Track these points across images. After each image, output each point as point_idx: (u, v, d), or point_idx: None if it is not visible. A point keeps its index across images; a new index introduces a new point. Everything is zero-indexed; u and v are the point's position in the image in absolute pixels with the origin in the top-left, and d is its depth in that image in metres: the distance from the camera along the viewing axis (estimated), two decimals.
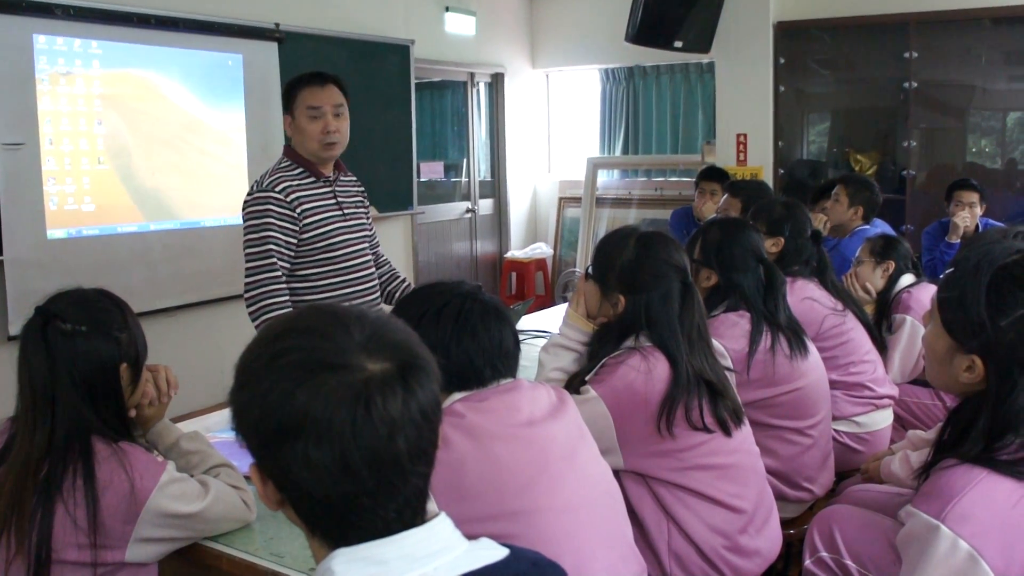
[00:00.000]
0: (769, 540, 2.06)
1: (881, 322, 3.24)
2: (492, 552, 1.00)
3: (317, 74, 2.83)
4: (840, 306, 2.85)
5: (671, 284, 2.00)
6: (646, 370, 1.91)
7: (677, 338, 1.96)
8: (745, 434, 2.06)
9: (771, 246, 2.91)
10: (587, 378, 1.99)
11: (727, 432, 1.97)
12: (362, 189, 3.06)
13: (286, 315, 1.00)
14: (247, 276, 2.71)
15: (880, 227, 4.15)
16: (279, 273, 2.70)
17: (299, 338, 0.93)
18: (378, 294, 3.03)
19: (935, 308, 1.61)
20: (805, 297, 2.81)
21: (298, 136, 2.81)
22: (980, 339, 1.51)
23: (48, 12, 3.99)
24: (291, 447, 0.89)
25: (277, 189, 2.75)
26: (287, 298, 2.70)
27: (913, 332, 3.12)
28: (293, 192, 2.77)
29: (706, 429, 1.93)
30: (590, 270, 2.13)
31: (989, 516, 1.41)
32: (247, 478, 1.73)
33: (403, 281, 3.13)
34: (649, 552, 1.94)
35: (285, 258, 2.74)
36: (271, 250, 2.70)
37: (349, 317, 0.95)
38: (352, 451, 0.89)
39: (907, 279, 3.28)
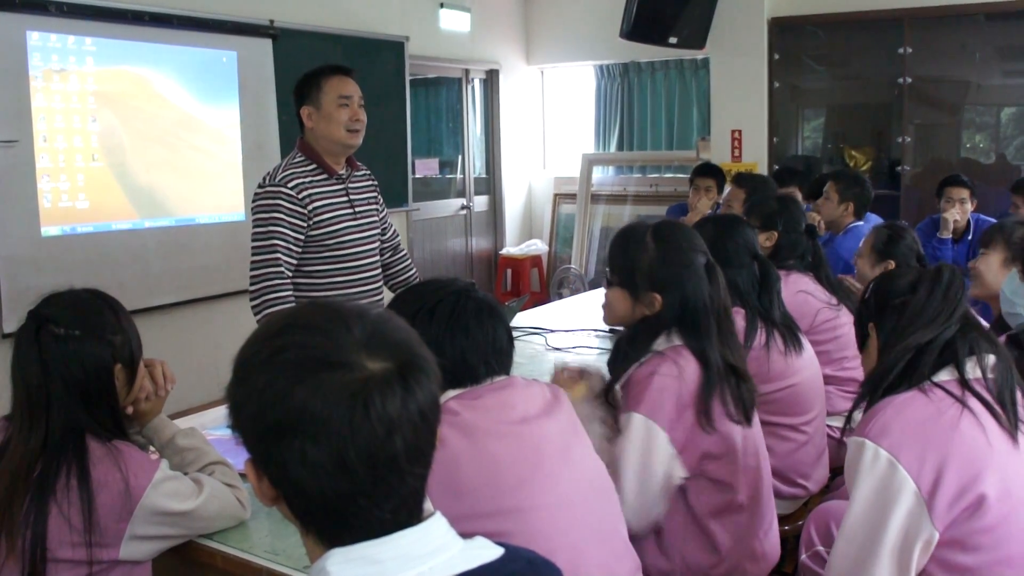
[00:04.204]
0: (773, 544, 2.08)
1: None
2: (487, 551, 0.99)
3: (341, 66, 2.85)
4: (834, 300, 2.86)
5: (699, 269, 1.98)
6: (677, 373, 1.90)
7: (710, 328, 1.94)
8: (757, 436, 2.05)
9: (765, 240, 2.92)
10: (619, 400, 1.96)
11: (748, 420, 1.97)
12: (374, 184, 3.05)
13: (286, 310, 1.00)
14: (251, 269, 2.72)
15: (873, 223, 4.14)
16: (283, 268, 2.71)
17: (299, 335, 0.92)
18: (383, 294, 3.03)
19: None
20: (799, 290, 2.81)
21: (322, 124, 2.79)
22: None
23: (42, 8, 3.98)
24: (288, 444, 0.89)
25: (289, 185, 2.75)
26: (290, 293, 2.71)
27: None
28: (305, 189, 2.77)
29: (739, 419, 1.94)
30: (610, 277, 2.07)
31: (903, 427, 1.58)
32: (243, 475, 1.73)
33: (411, 275, 3.18)
34: (661, 556, 1.94)
35: (291, 254, 2.74)
36: (276, 245, 2.71)
37: (350, 314, 0.95)
38: (349, 450, 0.88)
39: None
